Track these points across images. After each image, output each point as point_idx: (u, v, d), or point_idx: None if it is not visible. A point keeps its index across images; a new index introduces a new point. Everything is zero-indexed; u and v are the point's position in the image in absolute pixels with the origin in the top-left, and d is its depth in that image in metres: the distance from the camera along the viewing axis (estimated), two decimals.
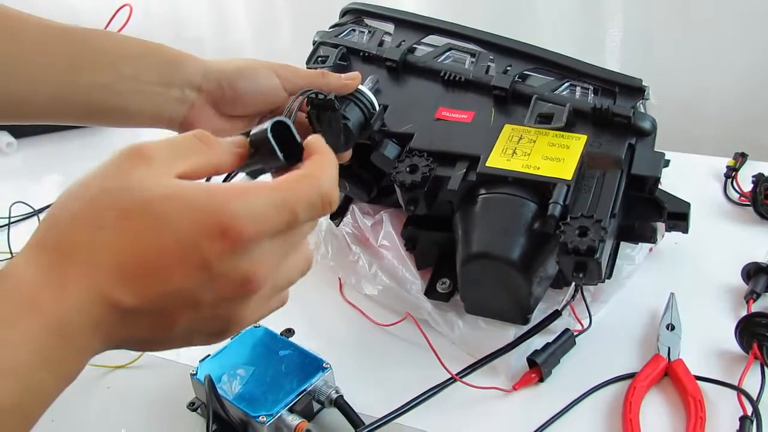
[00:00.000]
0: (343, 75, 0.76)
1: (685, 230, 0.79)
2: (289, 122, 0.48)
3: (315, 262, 0.90)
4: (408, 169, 0.76)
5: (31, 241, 0.41)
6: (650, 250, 0.87)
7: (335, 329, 0.86)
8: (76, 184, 0.42)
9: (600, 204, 0.70)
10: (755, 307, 0.78)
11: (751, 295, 0.79)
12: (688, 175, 1.00)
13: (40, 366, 0.38)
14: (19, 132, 1.29)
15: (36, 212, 1.09)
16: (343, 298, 0.89)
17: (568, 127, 0.76)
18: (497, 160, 0.74)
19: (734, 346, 0.75)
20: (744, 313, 0.76)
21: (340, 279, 0.90)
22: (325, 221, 0.93)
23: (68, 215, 0.41)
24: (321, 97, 0.72)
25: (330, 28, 0.96)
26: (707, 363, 0.74)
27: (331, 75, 0.76)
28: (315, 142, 0.48)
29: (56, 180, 1.21)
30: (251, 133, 0.48)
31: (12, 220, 1.06)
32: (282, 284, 0.46)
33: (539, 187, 0.72)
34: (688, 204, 0.78)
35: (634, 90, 0.77)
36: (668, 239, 0.87)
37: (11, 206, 1.06)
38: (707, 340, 0.77)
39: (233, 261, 0.40)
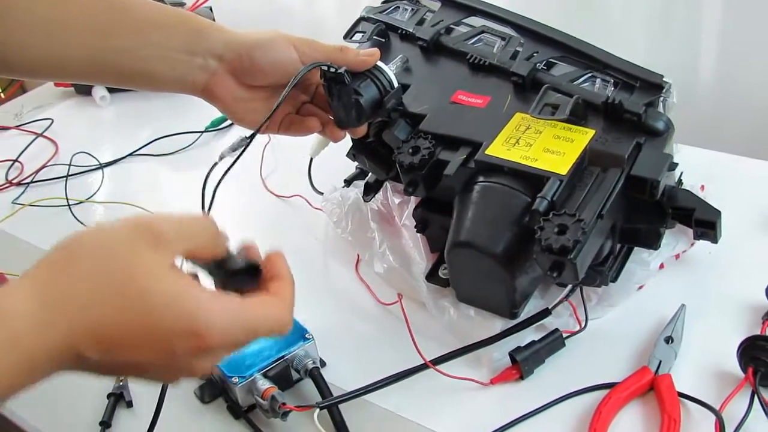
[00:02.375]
0: (361, 51, 0.76)
1: (714, 240, 0.75)
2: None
3: (336, 236, 0.93)
4: (410, 150, 0.76)
5: (36, 276, 0.45)
6: (677, 257, 0.82)
7: (339, 302, 0.87)
8: (87, 238, 0.47)
9: (590, 203, 0.67)
10: None
11: None
12: (745, 180, 0.93)
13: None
14: (113, 87, 1.37)
15: (101, 166, 1.17)
16: (356, 273, 0.90)
17: (579, 121, 0.73)
18: (498, 148, 0.73)
19: (735, 367, 0.70)
20: (757, 333, 0.71)
21: (358, 255, 0.91)
22: (353, 194, 0.94)
23: (75, 272, 0.45)
24: (332, 70, 0.73)
25: (381, 3, 0.96)
26: (701, 382, 0.70)
27: (349, 50, 0.76)
28: (275, 261, 0.54)
29: (144, 135, 1.26)
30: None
31: (77, 170, 1.14)
32: None
33: (534, 180, 0.69)
34: (718, 212, 0.73)
35: (653, 86, 0.72)
36: (702, 248, 0.82)
37: (73, 156, 1.13)
38: (709, 357, 0.72)
39: (196, 357, 0.47)
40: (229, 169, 0.71)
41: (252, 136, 0.73)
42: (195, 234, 0.50)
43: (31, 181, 1.16)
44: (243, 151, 0.73)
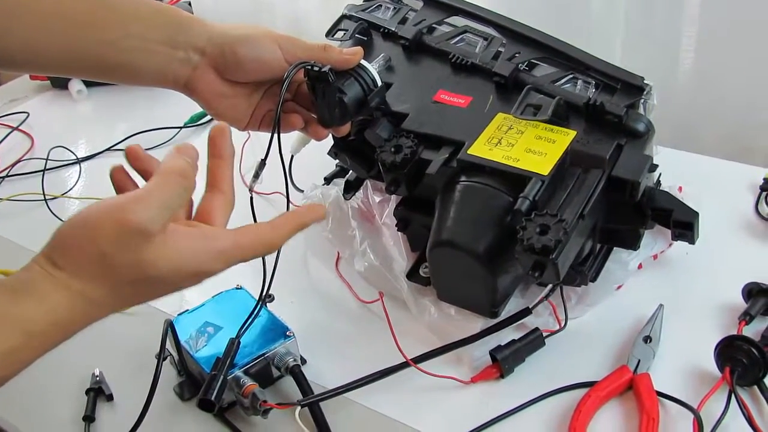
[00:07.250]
0: (345, 49, 0.76)
1: (691, 240, 0.75)
2: None
3: (317, 233, 0.92)
4: (393, 149, 0.76)
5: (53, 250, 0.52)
6: (655, 257, 0.83)
7: (320, 300, 0.87)
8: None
9: (572, 203, 0.67)
10: (746, 330, 0.73)
11: (745, 317, 0.74)
12: (723, 183, 0.94)
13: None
14: (90, 81, 1.35)
15: (79, 160, 1.15)
16: (336, 271, 0.90)
17: (560, 121, 0.73)
18: (480, 148, 0.73)
19: (713, 366, 0.71)
20: (733, 333, 0.72)
21: (338, 252, 0.91)
22: (334, 192, 0.93)
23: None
24: (316, 68, 0.72)
25: (363, 1, 0.96)
26: (680, 381, 0.71)
27: (332, 49, 0.76)
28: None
29: (121, 130, 1.25)
30: None
31: (54, 165, 1.12)
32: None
33: (516, 180, 0.70)
34: (696, 213, 0.74)
35: (634, 88, 0.73)
36: (680, 248, 0.83)
37: (50, 150, 1.12)
38: (687, 357, 0.73)
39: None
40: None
41: (265, 157, 0.72)
42: (169, 203, 0.55)
43: (7, 175, 1.15)
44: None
